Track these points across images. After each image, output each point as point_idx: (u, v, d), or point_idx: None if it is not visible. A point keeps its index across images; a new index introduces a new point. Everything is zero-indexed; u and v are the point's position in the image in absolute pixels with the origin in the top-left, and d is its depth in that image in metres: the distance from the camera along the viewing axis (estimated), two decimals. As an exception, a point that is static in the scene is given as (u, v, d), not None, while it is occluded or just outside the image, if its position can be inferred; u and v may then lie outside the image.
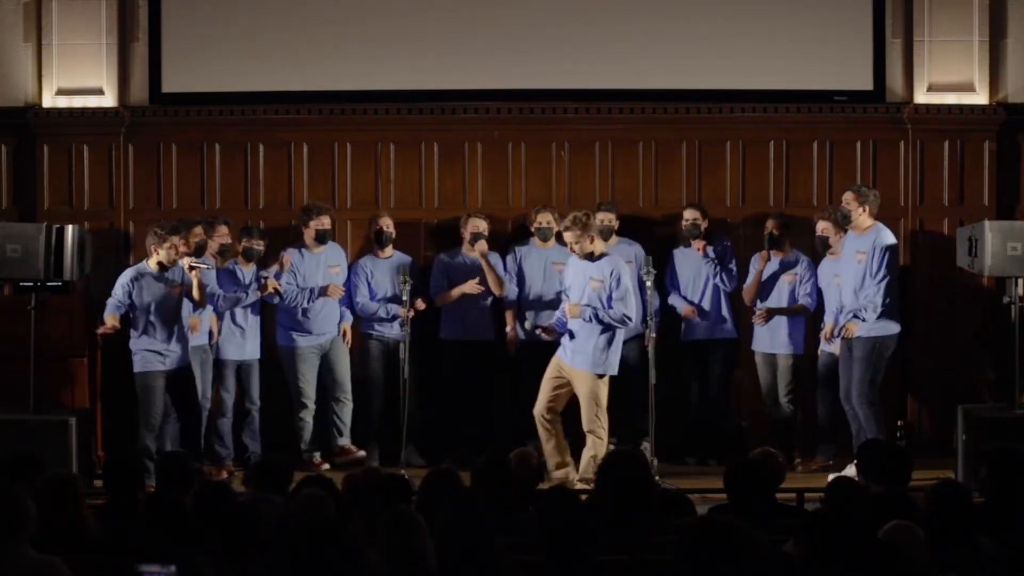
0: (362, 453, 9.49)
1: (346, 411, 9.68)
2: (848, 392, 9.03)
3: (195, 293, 8.84)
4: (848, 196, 9.14)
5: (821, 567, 4.83)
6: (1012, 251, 8.77)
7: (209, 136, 10.16)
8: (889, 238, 9.01)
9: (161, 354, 8.82)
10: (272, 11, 10.20)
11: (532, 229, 9.71)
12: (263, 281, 9.39)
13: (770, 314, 9.58)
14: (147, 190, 10.13)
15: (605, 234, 9.76)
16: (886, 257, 8.92)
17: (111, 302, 8.86)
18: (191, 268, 8.83)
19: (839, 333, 9.09)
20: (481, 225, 9.70)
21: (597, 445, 8.65)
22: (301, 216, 9.70)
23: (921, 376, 10.09)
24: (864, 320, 8.94)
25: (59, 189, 10.07)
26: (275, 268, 9.48)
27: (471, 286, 9.57)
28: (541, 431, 8.70)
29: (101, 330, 8.89)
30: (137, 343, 8.87)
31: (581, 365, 8.70)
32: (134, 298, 8.81)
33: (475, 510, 5.00)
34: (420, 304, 9.50)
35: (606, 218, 9.74)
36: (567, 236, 8.74)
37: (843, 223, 9.24)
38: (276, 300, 9.51)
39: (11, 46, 10.11)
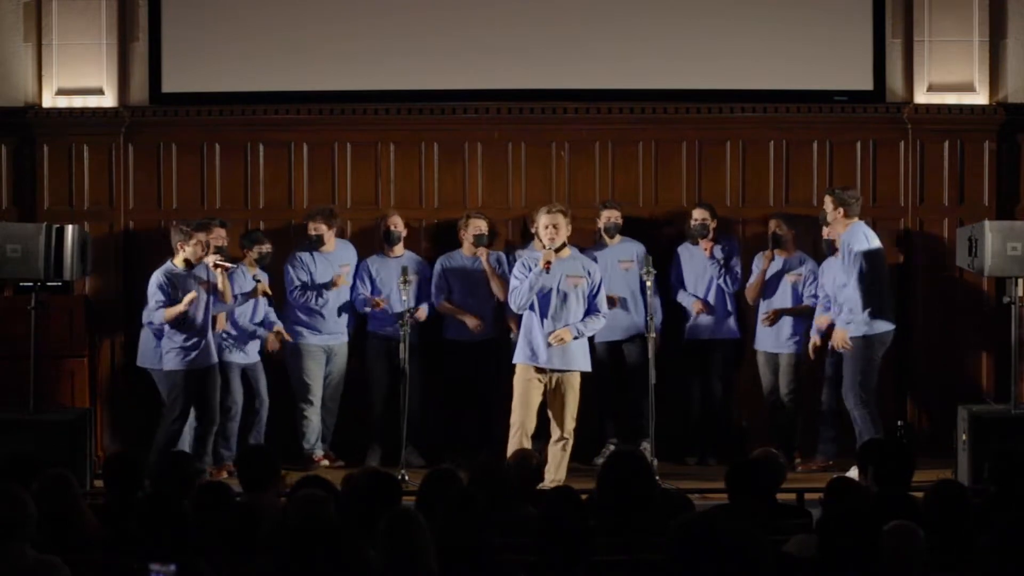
0: (325, 462, 9.49)
1: (331, 419, 9.71)
2: (846, 394, 9.05)
3: (223, 290, 8.82)
4: (826, 200, 9.18)
5: (821, 567, 4.83)
6: (1012, 251, 8.78)
7: (209, 136, 10.16)
8: (860, 242, 8.97)
9: (193, 352, 8.79)
10: (272, 11, 10.19)
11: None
12: (255, 284, 9.38)
13: (777, 315, 9.59)
14: (147, 190, 10.13)
15: (611, 231, 9.76)
16: (859, 262, 8.90)
17: (155, 305, 8.75)
18: (216, 266, 8.82)
19: (825, 345, 9.25)
20: (482, 226, 9.69)
21: (569, 448, 8.65)
22: (304, 219, 9.74)
23: (921, 376, 10.08)
24: (849, 323, 8.98)
25: (59, 189, 10.06)
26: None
27: (473, 323, 9.55)
28: (529, 444, 8.50)
29: (188, 303, 8.71)
30: (169, 342, 8.84)
31: (582, 365, 8.69)
32: (171, 296, 8.76)
33: (474, 510, 5.00)
34: (421, 314, 9.48)
35: (612, 215, 9.73)
36: (560, 219, 8.68)
37: (824, 224, 9.29)
38: (264, 299, 9.50)
39: (11, 46, 10.10)
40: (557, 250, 8.61)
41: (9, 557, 4.62)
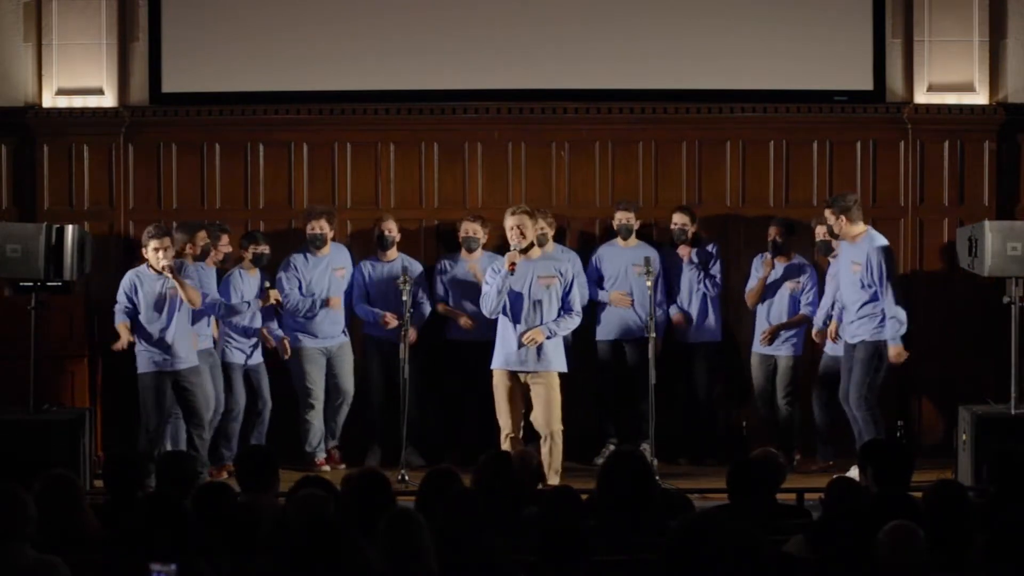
0: (327, 467, 9.49)
1: (341, 416, 9.71)
2: (847, 394, 9.03)
3: (181, 295, 8.80)
4: (827, 213, 9.07)
5: (822, 567, 4.84)
6: (1012, 251, 8.77)
7: (209, 136, 10.16)
8: (879, 241, 8.95)
9: (161, 355, 8.84)
10: (272, 11, 10.20)
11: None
12: (266, 290, 9.39)
13: (774, 332, 9.57)
14: (147, 190, 10.13)
15: (623, 233, 9.76)
16: (883, 262, 8.85)
17: (117, 308, 8.91)
18: (168, 271, 8.78)
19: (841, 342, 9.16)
20: (471, 229, 9.65)
21: (558, 445, 8.65)
22: (303, 219, 9.72)
23: (921, 376, 10.07)
24: (899, 338, 8.85)
25: (59, 189, 10.07)
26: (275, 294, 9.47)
27: (465, 323, 9.57)
28: (519, 446, 8.51)
29: (117, 347, 8.88)
30: (140, 344, 8.89)
31: (558, 365, 8.69)
32: (135, 299, 8.83)
33: (475, 510, 5.00)
34: (412, 336, 9.28)
35: (624, 217, 9.73)
36: (525, 220, 8.68)
37: (831, 235, 9.22)
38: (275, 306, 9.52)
39: (11, 46, 10.11)
40: (524, 251, 8.62)
41: (9, 557, 4.62)
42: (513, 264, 8.52)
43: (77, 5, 10.02)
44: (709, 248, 9.83)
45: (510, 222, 8.71)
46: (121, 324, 8.86)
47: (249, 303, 9.36)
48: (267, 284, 9.41)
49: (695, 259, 9.75)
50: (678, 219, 9.76)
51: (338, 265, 9.69)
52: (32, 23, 10.06)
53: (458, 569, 4.72)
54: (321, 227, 9.57)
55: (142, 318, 8.84)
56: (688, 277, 9.77)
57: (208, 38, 10.20)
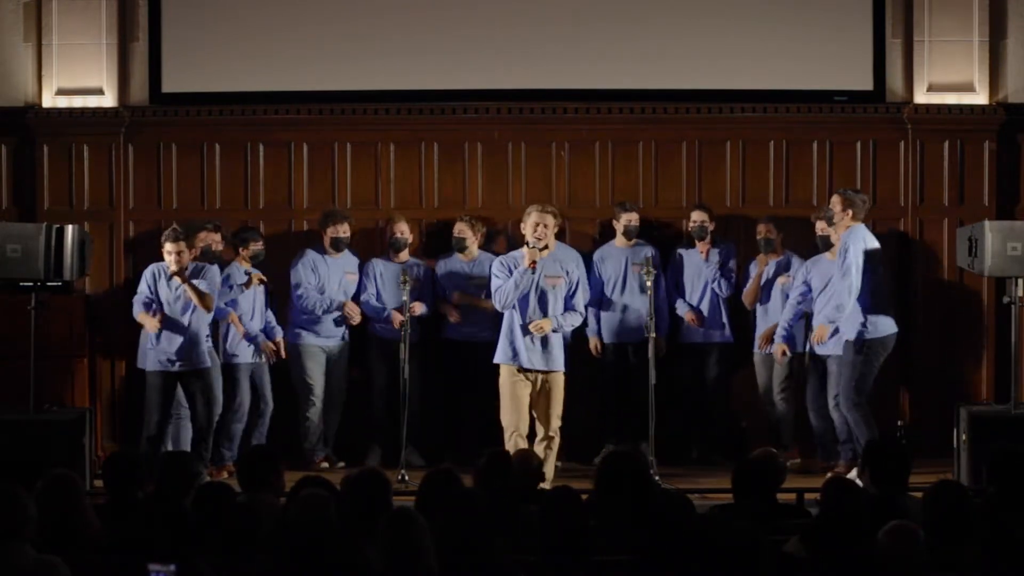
0: (325, 465, 9.51)
1: (333, 421, 9.73)
2: (840, 394, 9.04)
3: (194, 300, 8.80)
4: (834, 199, 9.12)
5: (820, 568, 4.85)
6: (1012, 251, 8.77)
7: (209, 136, 10.16)
8: (858, 241, 8.93)
9: (167, 354, 8.83)
10: (272, 11, 10.20)
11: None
12: (249, 276, 9.39)
13: (768, 338, 9.55)
14: (147, 190, 10.13)
15: (631, 234, 9.77)
16: (850, 258, 8.85)
17: (137, 299, 8.92)
18: (179, 276, 8.77)
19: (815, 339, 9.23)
20: (458, 229, 9.67)
21: (554, 449, 8.65)
22: (321, 221, 9.71)
23: (921, 376, 10.08)
24: (832, 322, 8.99)
25: (59, 189, 10.07)
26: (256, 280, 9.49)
27: (453, 317, 9.60)
28: (524, 445, 8.55)
29: (151, 329, 8.83)
30: (147, 341, 8.89)
31: (562, 364, 8.71)
32: (156, 292, 8.83)
33: (475, 510, 5.01)
34: (416, 309, 9.42)
35: (632, 218, 9.73)
36: (549, 220, 8.70)
37: (828, 223, 9.26)
38: (263, 305, 9.52)
39: (11, 46, 10.11)
40: (541, 249, 8.64)
41: (9, 557, 4.62)
42: (534, 262, 8.55)
43: (77, 5, 10.02)
44: (727, 247, 9.83)
45: (535, 218, 8.72)
46: (141, 314, 8.86)
47: (232, 287, 9.34)
48: (248, 272, 9.41)
49: (714, 259, 9.74)
50: (697, 216, 9.75)
51: (350, 269, 9.71)
52: (32, 23, 10.06)
53: (458, 569, 4.73)
54: (344, 231, 9.61)
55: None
56: (704, 275, 9.76)
57: (208, 38, 10.21)
